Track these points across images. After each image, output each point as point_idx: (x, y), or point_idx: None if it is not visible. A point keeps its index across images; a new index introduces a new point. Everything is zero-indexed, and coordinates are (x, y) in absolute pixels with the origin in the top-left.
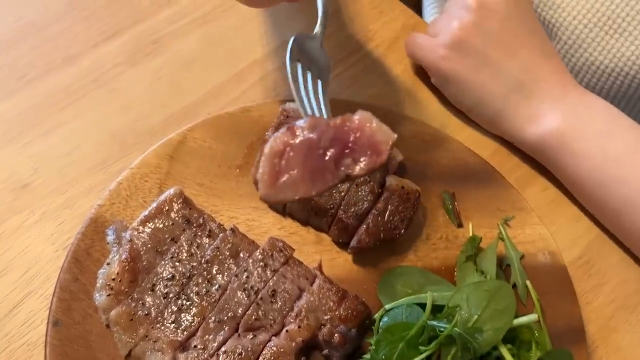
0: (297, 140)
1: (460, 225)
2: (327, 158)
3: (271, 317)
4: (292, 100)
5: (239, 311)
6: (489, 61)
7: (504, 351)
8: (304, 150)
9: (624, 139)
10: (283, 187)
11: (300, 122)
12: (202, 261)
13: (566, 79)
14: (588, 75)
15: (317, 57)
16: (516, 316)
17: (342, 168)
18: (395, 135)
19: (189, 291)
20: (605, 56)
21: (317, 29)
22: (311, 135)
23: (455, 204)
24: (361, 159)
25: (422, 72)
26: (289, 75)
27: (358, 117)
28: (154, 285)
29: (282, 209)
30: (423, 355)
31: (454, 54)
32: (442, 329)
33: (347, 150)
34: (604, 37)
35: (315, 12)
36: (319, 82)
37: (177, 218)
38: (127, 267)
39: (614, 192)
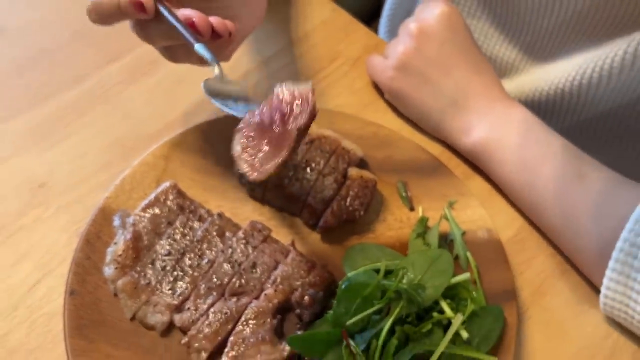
0: (249, 131)
1: (412, 209)
2: (277, 127)
3: (252, 284)
4: None
5: (225, 280)
6: (428, 80)
7: (444, 305)
8: (259, 132)
9: (535, 149)
10: (263, 165)
11: (242, 121)
12: (194, 240)
13: (494, 93)
14: None
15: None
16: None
17: (291, 127)
18: (310, 82)
19: (182, 264)
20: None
21: (217, 72)
22: (256, 120)
23: (408, 191)
24: (299, 113)
25: None
26: (219, 105)
27: (276, 91)
28: (153, 260)
29: (261, 198)
30: (375, 308)
31: (400, 75)
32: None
33: (286, 115)
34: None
35: (287, 33)
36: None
37: (172, 206)
38: (131, 246)
39: (526, 195)
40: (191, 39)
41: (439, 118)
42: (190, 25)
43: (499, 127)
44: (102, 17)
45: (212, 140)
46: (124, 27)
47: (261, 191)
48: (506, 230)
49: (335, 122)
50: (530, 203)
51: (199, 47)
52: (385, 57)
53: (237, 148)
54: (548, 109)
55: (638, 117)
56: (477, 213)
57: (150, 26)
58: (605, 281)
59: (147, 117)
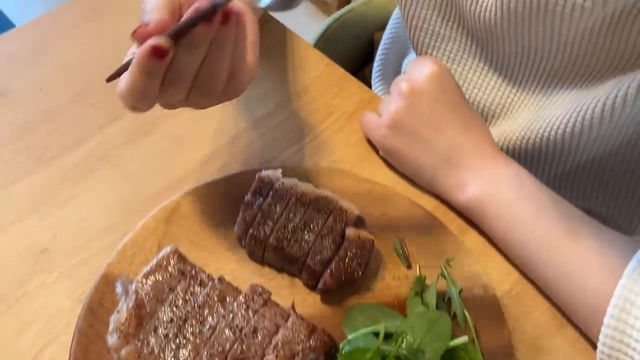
0: None
1: (409, 267)
2: None
3: (253, 350)
4: (267, 169)
5: (227, 346)
6: (421, 139)
7: None
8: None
9: (527, 206)
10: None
11: None
12: (195, 306)
13: (486, 149)
14: None
15: None
16: (454, 339)
17: None
18: None
19: (185, 331)
20: None
21: None
22: None
23: (405, 248)
24: None
25: None
26: None
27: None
28: (156, 327)
29: (260, 259)
30: None
31: (393, 133)
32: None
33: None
34: None
35: (284, 90)
36: None
37: (173, 271)
38: (133, 314)
39: (519, 251)
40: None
41: (432, 175)
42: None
43: (491, 184)
44: (139, 94)
45: (211, 202)
46: None
47: (261, 253)
48: (502, 283)
49: (332, 180)
50: (524, 259)
51: None
52: (379, 115)
53: None
54: (535, 157)
55: (620, 165)
56: (473, 270)
57: (172, 69)
58: (601, 337)
59: (148, 178)
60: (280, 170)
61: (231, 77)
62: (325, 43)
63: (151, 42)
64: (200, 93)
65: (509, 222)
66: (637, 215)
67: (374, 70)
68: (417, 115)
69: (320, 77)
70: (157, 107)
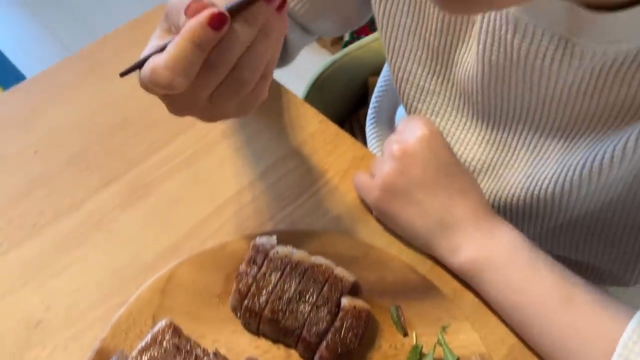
0: None
1: (406, 334)
2: None
3: None
4: (262, 235)
5: None
6: (414, 201)
7: None
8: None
9: (522, 271)
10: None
11: None
12: None
13: (479, 213)
14: None
15: None
16: None
17: None
18: None
19: None
20: None
21: None
22: None
23: (401, 315)
24: None
25: None
26: None
27: None
28: None
29: (256, 330)
30: None
31: (386, 195)
32: None
33: None
34: None
35: (279, 148)
36: None
37: (168, 346)
38: None
39: (515, 316)
40: None
41: (427, 237)
42: None
43: (486, 248)
44: (183, 67)
45: (206, 271)
46: (117, 149)
47: (256, 325)
48: (499, 348)
49: (327, 245)
50: (520, 324)
51: None
52: (372, 175)
53: None
54: (526, 214)
55: (612, 218)
56: (470, 338)
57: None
58: None
59: (144, 243)
60: (275, 237)
61: (262, 77)
62: (322, 85)
63: (211, 10)
64: (232, 87)
65: (503, 287)
66: (631, 267)
67: (368, 117)
68: (410, 177)
69: (314, 134)
70: (151, 169)
